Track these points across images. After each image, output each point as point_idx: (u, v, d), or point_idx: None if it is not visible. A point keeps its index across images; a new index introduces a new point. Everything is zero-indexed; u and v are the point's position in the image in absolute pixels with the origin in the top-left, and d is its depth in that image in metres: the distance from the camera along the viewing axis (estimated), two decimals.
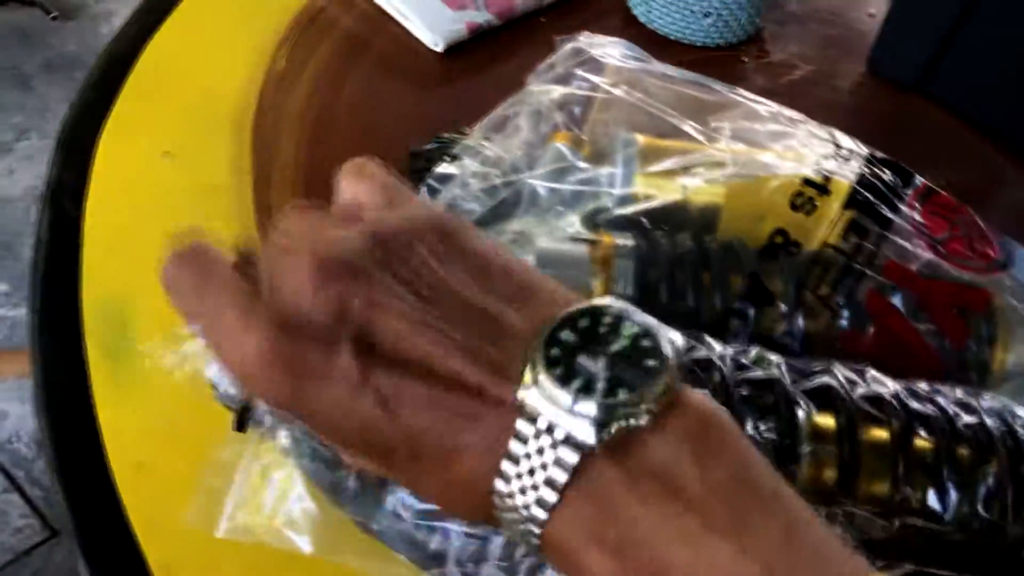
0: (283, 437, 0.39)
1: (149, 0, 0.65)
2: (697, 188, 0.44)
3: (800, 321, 0.39)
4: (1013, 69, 0.64)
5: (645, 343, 0.23)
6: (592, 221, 0.44)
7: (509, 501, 0.22)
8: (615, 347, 0.22)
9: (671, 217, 0.43)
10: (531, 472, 0.22)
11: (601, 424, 0.21)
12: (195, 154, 0.55)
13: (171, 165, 0.54)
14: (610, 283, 0.41)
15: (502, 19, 0.67)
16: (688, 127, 0.46)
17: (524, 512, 0.22)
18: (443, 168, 0.46)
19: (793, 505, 0.22)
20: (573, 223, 0.43)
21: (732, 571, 0.20)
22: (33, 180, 1.69)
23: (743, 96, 0.49)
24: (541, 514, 0.22)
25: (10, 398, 1.36)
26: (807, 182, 0.42)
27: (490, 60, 0.65)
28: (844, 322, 0.40)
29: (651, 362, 0.22)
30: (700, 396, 0.23)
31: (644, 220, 0.43)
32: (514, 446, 0.22)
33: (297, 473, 0.38)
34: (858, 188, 0.42)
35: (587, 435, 0.21)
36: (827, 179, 0.42)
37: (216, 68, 0.61)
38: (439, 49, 0.64)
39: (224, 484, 0.39)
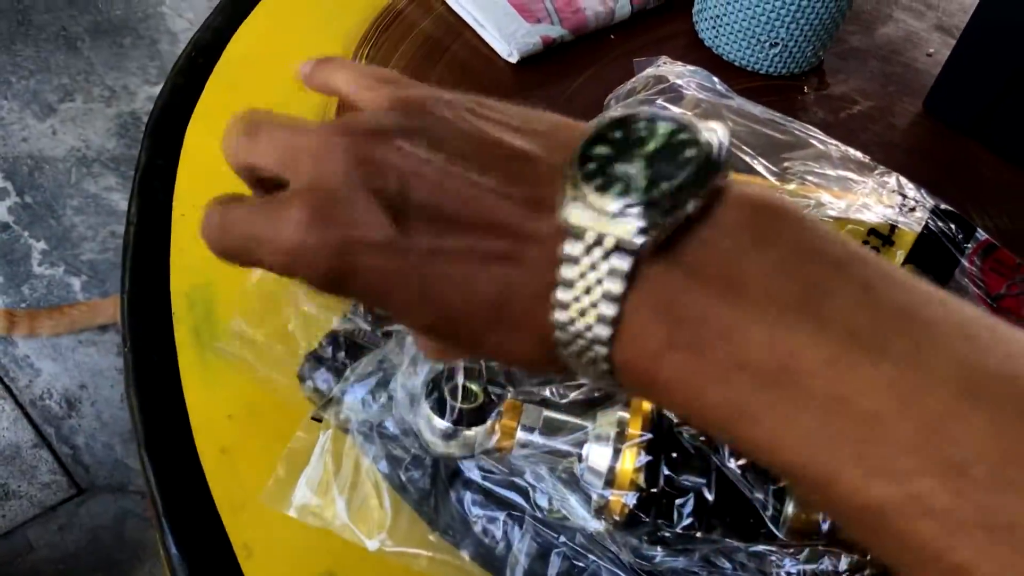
0: (357, 433, 0.42)
1: None
2: None
3: None
4: None
5: (682, 136, 0.22)
6: None
7: (572, 329, 0.21)
8: (651, 147, 0.21)
9: None
10: (588, 291, 0.21)
11: (647, 223, 0.20)
12: None
13: None
14: None
15: (575, 34, 0.68)
16: (759, 166, 0.48)
17: (589, 336, 0.21)
18: None
19: (869, 262, 0.21)
20: None
21: (813, 345, 0.19)
22: (76, 142, 1.71)
23: (817, 137, 0.50)
24: (604, 332, 0.21)
25: (43, 355, 1.38)
26: (873, 232, 0.44)
27: (561, 74, 0.67)
28: None
29: (690, 152, 0.21)
30: (752, 184, 0.22)
31: None
32: (565, 271, 0.21)
33: (369, 468, 0.40)
34: (921, 240, 0.44)
35: (635, 236, 0.20)
36: (892, 229, 0.44)
37: (300, 63, 0.63)
38: (513, 60, 0.66)
39: (299, 468, 0.41)
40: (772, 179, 0.47)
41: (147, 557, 1.23)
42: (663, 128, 0.22)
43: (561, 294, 0.21)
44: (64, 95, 1.80)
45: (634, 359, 0.21)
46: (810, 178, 0.47)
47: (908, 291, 0.20)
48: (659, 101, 0.50)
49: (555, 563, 0.39)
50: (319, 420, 0.43)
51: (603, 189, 0.21)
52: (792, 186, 0.47)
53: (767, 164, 0.47)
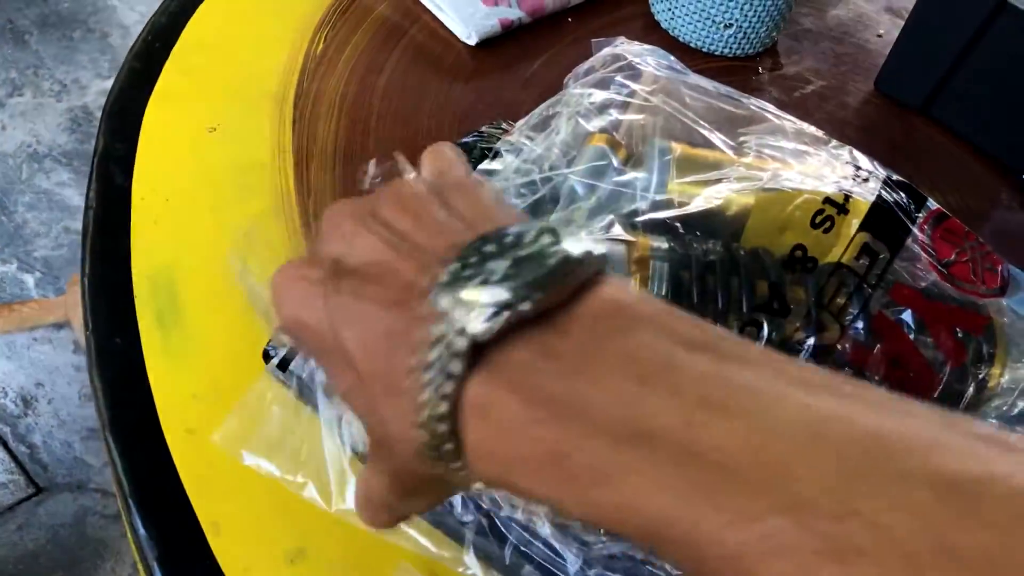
0: (324, 414, 0.42)
1: None
2: (728, 198, 0.46)
3: (813, 334, 0.42)
4: (1011, 98, 0.68)
5: (552, 247, 0.24)
6: (630, 223, 0.46)
7: (425, 409, 0.23)
8: (524, 252, 0.24)
9: (703, 224, 0.46)
10: (439, 371, 0.22)
11: (495, 310, 0.22)
12: (238, 130, 0.57)
13: (215, 140, 0.56)
14: (645, 282, 0.43)
15: (533, 17, 0.69)
16: (717, 139, 0.48)
17: (436, 414, 0.23)
18: (486, 164, 0.48)
19: (724, 340, 0.22)
20: (612, 223, 0.46)
21: (667, 409, 0.20)
22: (25, 136, 1.68)
23: (771, 112, 0.51)
24: (444, 407, 0.22)
25: None
26: (828, 200, 0.45)
27: (519, 56, 0.67)
28: (853, 338, 0.43)
29: (551, 260, 0.23)
30: (617, 286, 0.24)
31: (678, 225, 0.46)
32: (425, 352, 0.23)
33: (331, 429, 0.40)
34: (874, 209, 0.45)
35: (484, 322, 0.22)
36: (847, 199, 0.45)
37: (257, 47, 0.62)
38: (472, 43, 0.66)
39: (257, 415, 0.42)
40: (729, 152, 0.48)
41: (109, 555, 1.21)
42: (544, 239, 0.24)
43: (421, 374, 0.23)
44: (13, 90, 1.77)
45: (486, 438, 0.22)
46: (766, 151, 0.48)
47: (755, 366, 0.21)
48: (617, 78, 0.51)
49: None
50: (283, 369, 0.43)
51: (467, 280, 0.23)
52: (749, 159, 0.48)
53: (724, 138, 0.48)
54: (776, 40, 0.75)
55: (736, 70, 0.72)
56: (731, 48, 0.72)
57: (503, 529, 0.40)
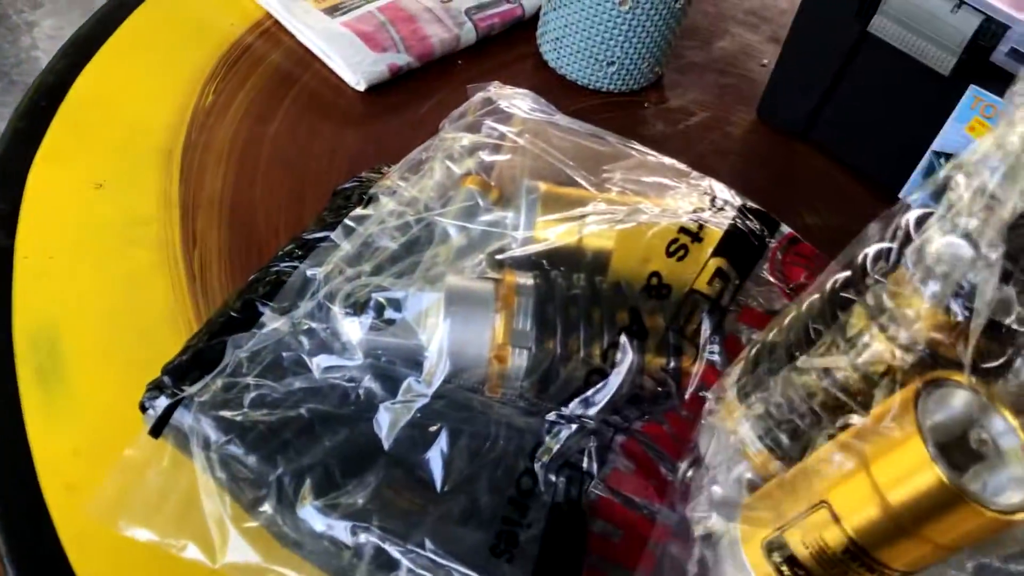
0: (199, 455, 0.42)
1: (80, 32, 0.68)
2: (591, 233, 0.49)
3: (672, 357, 0.44)
4: (882, 120, 0.71)
5: None
6: (497, 261, 0.48)
7: None
8: None
9: (567, 259, 0.48)
10: None
11: None
12: (125, 186, 0.57)
13: (101, 195, 0.57)
14: (511, 318, 0.45)
15: (422, 61, 0.71)
16: (580, 177, 0.51)
17: None
18: (359, 210, 0.50)
19: None
20: (480, 262, 0.48)
21: None
22: None
23: (635, 148, 0.54)
24: None
25: None
26: (683, 230, 0.47)
27: (409, 100, 0.69)
28: (708, 360, 0.45)
29: None
30: None
31: (544, 261, 0.48)
32: None
33: (209, 485, 0.41)
34: (728, 237, 0.47)
35: None
36: (701, 227, 0.48)
37: (146, 102, 0.64)
38: (361, 88, 0.68)
39: (132, 482, 0.42)
40: (592, 188, 0.50)
41: None
42: None
43: None
44: None
45: None
46: (628, 186, 0.51)
47: None
48: (487, 122, 0.53)
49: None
50: (155, 435, 0.43)
51: None
52: (612, 194, 0.50)
53: (587, 175, 0.50)
54: (661, 74, 0.79)
55: (622, 105, 0.75)
56: (616, 84, 0.74)
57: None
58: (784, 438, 0.36)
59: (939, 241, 0.30)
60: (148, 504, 0.41)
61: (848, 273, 0.34)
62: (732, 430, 0.39)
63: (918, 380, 0.30)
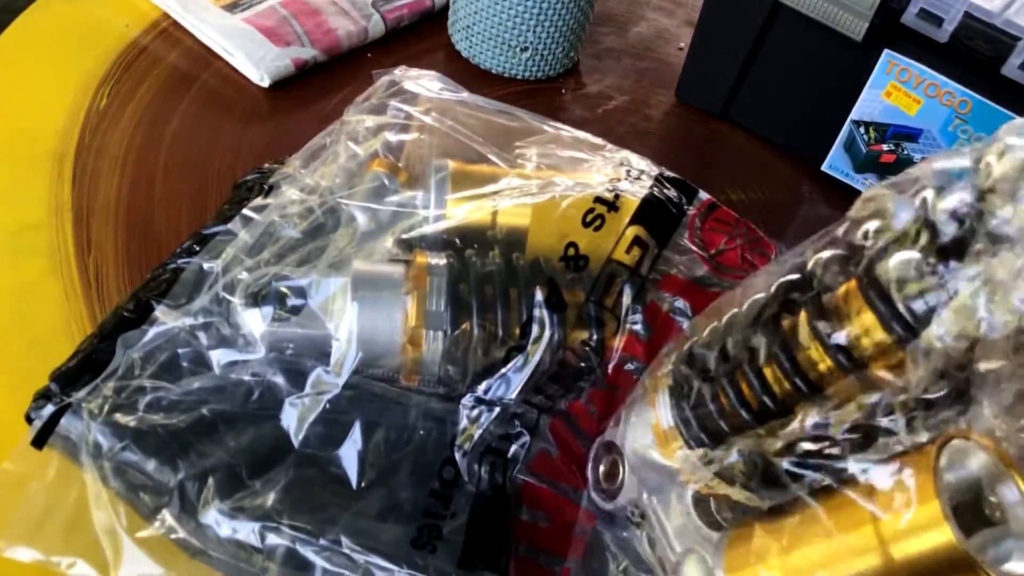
0: (90, 464, 0.39)
1: None
2: (505, 210, 0.47)
3: (593, 330, 0.42)
4: (798, 94, 0.71)
5: None
6: (407, 242, 0.46)
7: None
8: None
9: (481, 236, 0.46)
10: None
11: None
12: (11, 192, 0.54)
13: None
14: (423, 299, 0.43)
15: (328, 55, 0.69)
16: (491, 154, 0.49)
17: None
18: (259, 200, 0.47)
19: None
20: (388, 245, 0.46)
21: None
22: None
23: (549, 124, 0.52)
24: None
25: None
26: (598, 200, 0.46)
27: (316, 94, 0.67)
28: (630, 330, 0.43)
29: None
30: None
31: (456, 240, 0.46)
32: None
33: (101, 496, 0.38)
34: (644, 205, 0.46)
35: None
36: (616, 197, 0.46)
37: (35, 107, 0.60)
38: (264, 84, 0.65)
39: (11, 498, 0.39)
40: (504, 165, 0.48)
41: None
42: None
43: None
44: None
45: None
46: (543, 160, 0.49)
47: None
48: (392, 103, 0.51)
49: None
50: (39, 445, 0.40)
51: None
52: (527, 169, 0.48)
53: (499, 152, 0.49)
54: (577, 60, 0.77)
55: (539, 92, 0.73)
56: (531, 71, 0.73)
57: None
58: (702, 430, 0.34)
59: (895, 257, 0.28)
60: (30, 521, 0.37)
61: (796, 276, 0.32)
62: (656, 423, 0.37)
63: (940, 438, 0.28)
